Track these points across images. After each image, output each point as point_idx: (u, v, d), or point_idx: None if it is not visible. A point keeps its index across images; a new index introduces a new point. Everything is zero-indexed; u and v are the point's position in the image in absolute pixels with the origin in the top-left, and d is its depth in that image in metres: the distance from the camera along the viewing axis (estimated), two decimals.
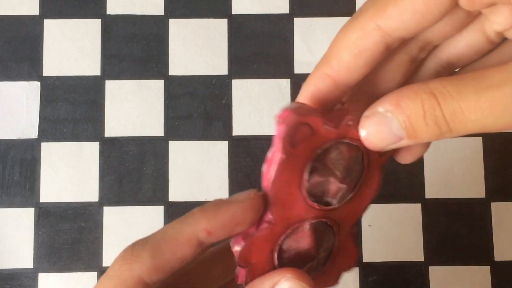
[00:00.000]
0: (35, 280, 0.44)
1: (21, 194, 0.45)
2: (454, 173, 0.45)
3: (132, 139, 0.46)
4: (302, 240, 0.26)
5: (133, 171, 0.45)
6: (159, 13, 0.47)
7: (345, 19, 0.49)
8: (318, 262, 0.26)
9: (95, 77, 0.46)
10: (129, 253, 0.26)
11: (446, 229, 0.45)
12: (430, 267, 0.44)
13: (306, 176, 0.25)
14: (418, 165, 0.45)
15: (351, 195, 0.26)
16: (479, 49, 0.25)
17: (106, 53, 0.46)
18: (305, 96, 0.25)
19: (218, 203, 0.25)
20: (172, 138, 0.46)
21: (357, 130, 0.24)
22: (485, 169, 0.45)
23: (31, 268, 0.44)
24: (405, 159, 0.28)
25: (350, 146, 0.25)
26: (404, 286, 0.44)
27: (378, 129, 0.23)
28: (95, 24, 0.47)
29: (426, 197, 0.45)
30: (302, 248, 0.26)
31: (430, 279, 0.44)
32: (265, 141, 0.45)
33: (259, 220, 0.25)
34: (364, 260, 0.44)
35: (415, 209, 0.45)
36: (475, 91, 0.21)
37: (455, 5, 0.22)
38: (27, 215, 0.45)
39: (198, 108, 0.46)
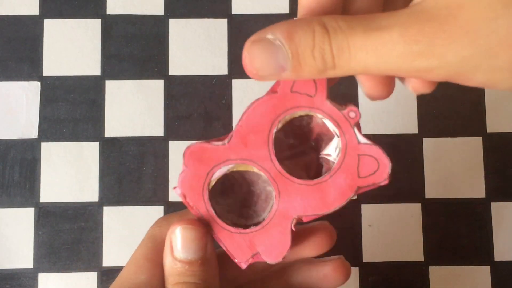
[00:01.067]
0: (35, 280, 0.44)
1: (21, 194, 0.45)
2: (454, 173, 0.45)
3: (132, 139, 0.46)
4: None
5: (133, 171, 0.45)
6: (159, 13, 0.47)
7: None
8: (251, 212, 0.27)
9: (95, 77, 0.46)
10: (161, 219, 0.28)
11: (446, 229, 0.45)
12: (430, 267, 0.44)
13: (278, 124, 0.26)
14: (418, 165, 0.45)
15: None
16: None
17: (106, 53, 0.46)
18: (302, 9, 0.25)
19: None
20: (172, 138, 0.46)
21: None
22: (485, 169, 0.45)
23: (31, 268, 0.44)
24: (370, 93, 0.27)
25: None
26: (404, 286, 0.44)
27: (263, 55, 0.23)
28: (95, 24, 0.47)
29: (426, 197, 0.45)
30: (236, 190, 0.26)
31: (430, 279, 0.44)
32: None
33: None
34: (364, 260, 0.44)
35: (415, 209, 0.45)
36: (364, 30, 0.21)
37: None
38: (27, 215, 0.45)
39: (198, 108, 0.46)
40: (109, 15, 0.47)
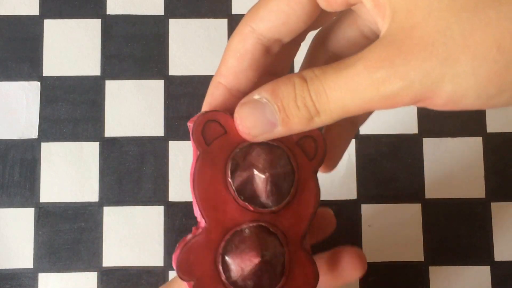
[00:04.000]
0: (35, 280, 0.44)
1: (21, 194, 0.45)
2: (454, 173, 0.45)
3: (132, 139, 0.46)
4: (243, 247, 0.25)
5: (133, 171, 0.45)
6: (159, 13, 0.47)
7: None
8: (271, 277, 0.25)
9: (95, 77, 0.46)
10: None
11: (446, 229, 0.45)
12: (430, 267, 0.44)
13: (228, 173, 0.25)
14: (418, 165, 0.45)
15: (288, 198, 0.26)
16: (357, 44, 0.27)
17: (106, 53, 0.46)
18: (205, 106, 0.27)
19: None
20: (172, 138, 0.46)
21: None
22: (485, 169, 0.45)
23: (31, 268, 0.44)
24: (326, 165, 0.28)
25: (270, 146, 0.25)
26: (404, 286, 0.44)
27: (252, 114, 0.24)
28: (95, 24, 0.47)
29: (426, 197, 0.45)
30: (245, 256, 0.25)
31: (430, 279, 0.44)
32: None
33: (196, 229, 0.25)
34: None
35: (415, 209, 0.45)
36: (335, 71, 0.22)
37: (316, 7, 0.24)
38: (27, 215, 0.45)
39: (198, 108, 0.46)
40: (109, 15, 0.47)
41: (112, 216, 0.45)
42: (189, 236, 0.25)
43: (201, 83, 0.46)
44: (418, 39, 0.20)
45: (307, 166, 0.26)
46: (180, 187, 0.45)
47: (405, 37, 0.21)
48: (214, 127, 0.25)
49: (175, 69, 0.46)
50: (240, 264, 0.25)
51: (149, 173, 0.45)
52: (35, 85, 0.46)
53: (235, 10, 0.47)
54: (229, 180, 0.25)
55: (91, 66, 0.46)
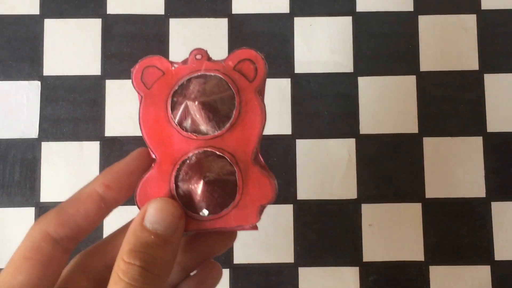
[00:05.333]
0: None
1: (21, 193, 0.45)
2: (454, 173, 0.45)
3: (133, 139, 0.46)
4: (190, 172, 0.27)
5: None
6: (160, 12, 0.47)
7: (345, 19, 0.50)
8: (223, 195, 0.27)
9: (96, 76, 0.46)
10: (40, 217, 0.27)
11: (447, 228, 0.45)
12: (430, 267, 0.44)
13: (169, 109, 0.27)
14: (418, 165, 0.45)
15: (230, 121, 0.27)
16: None
17: (107, 53, 0.46)
18: None
19: (113, 164, 0.28)
20: None
21: (209, 61, 0.28)
22: (485, 169, 0.45)
23: None
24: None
25: (206, 77, 0.28)
26: (404, 286, 0.44)
27: None
28: (95, 24, 0.47)
29: (427, 196, 0.45)
30: (191, 181, 0.27)
31: (430, 278, 0.44)
32: (265, 140, 0.45)
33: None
34: (364, 260, 0.44)
35: (416, 208, 0.45)
36: None
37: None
38: (27, 214, 0.45)
39: None
40: (109, 14, 0.47)
41: (112, 215, 0.45)
42: (147, 175, 0.28)
43: None
44: None
45: (248, 88, 0.28)
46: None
47: None
48: (152, 71, 0.28)
49: None
50: (190, 188, 0.27)
51: None
52: (36, 85, 0.46)
53: (235, 9, 0.47)
54: (170, 115, 0.28)
55: (91, 66, 0.46)
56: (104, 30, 0.47)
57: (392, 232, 0.45)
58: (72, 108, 0.46)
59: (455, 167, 0.45)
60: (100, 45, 0.47)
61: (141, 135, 0.46)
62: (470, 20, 0.47)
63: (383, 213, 0.45)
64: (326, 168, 0.45)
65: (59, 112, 0.46)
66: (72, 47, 0.46)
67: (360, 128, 0.46)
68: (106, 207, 0.28)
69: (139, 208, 0.27)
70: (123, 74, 0.46)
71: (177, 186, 0.27)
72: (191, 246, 0.29)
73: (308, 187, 0.44)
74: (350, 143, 0.45)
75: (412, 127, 0.46)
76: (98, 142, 0.45)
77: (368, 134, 0.46)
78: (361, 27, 0.47)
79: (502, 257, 0.45)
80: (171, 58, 0.46)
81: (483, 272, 0.44)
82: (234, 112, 0.27)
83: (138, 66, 0.28)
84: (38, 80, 0.46)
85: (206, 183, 0.27)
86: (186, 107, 0.27)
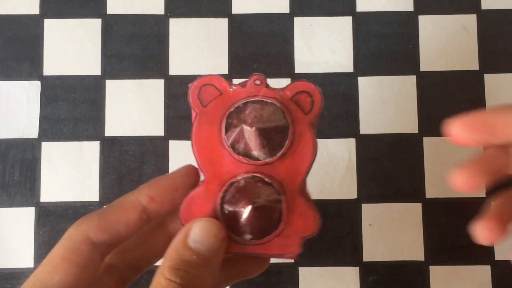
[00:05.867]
0: None
1: (21, 193, 0.45)
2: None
3: (133, 139, 0.46)
4: (238, 195, 0.27)
5: (134, 171, 0.45)
6: (160, 12, 0.47)
7: (346, 19, 0.50)
8: (268, 223, 0.28)
9: (96, 76, 0.46)
10: (81, 219, 0.28)
11: (447, 228, 0.45)
12: (430, 267, 0.44)
13: (223, 130, 0.28)
14: (418, 165, 0.45)
15: (282, 150, 0.28)
16: None
17: (107, 53, 0.46)
18: None
19: (159, 176, 0.29)
20: (172, 138, 0.46)
21: (267, 88, 0.28)
22: None
23: (32, 268, 0.44)
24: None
25: (264, 103, 0.28)
26: (404, 286, 0.44)
27: None
28: (95, 24, 0.47)
29: (427, 196, 0.45)
30: (239, 204, 0.27)
31: (430, 278, 0.44)
32: None
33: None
34: (364, 260, 0.44)
35: (416, 208, 0.45)
36: None
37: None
38: (27, 214, 0.45)
39: None
40: (109, 14, 0.47)
41: None
42: (193, 192, 0.28)
43: None
44: None
45: (303, 120, 0.28)
46: None
47: None
48: (209, 90, 0.28)
49: (175, 68, 0.46)
50: (236, 211, 0.27)
51: (149, 173, 0.45)
52: (36, 85, 0.46)
53: (235, 9, 0.47)
54: (224, 136, 0.28)
55: (91, 66, 0.46)
56: (104, 30, 0.47)
57: (392, 232, 0.45)
58: (72, 108, 0.46)
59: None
60: (100, 45, 0.47)
61: (141, 135, 0.46)
62: (470, 20, 0.47)
63: (383, 213, 0.45)
64: (326, 168, 0.45)
65: (59, 112, 0.46)
66: (72, 47, 0.46)
67: (360, 128, 0.46)
68: (147, 218, 0.28)
69: (182, 224, 0.27)
70: (123, 74, 0.46)
71: (222, 207, 0.27)
72: (225, 266, 0.29)
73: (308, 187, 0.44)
74: (350, 143, 0.45)
75: (412, 127, 0.46)
76: (98, 142, 0.45)
77: (368, 134, 0.46)
78: (361, 27, 0.47)
79: (502, 257, 0.45)
80: (171, 58, 0.47)
81: (483, 272, 0.44)
82: (286, 142, 0.28)
83: (196, 83, 0.28)
84: (38, 80, 0.46)
85: (254, 209, 0.27)
86: (242, 130, 0.27)
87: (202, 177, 0.28)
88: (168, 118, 0.46)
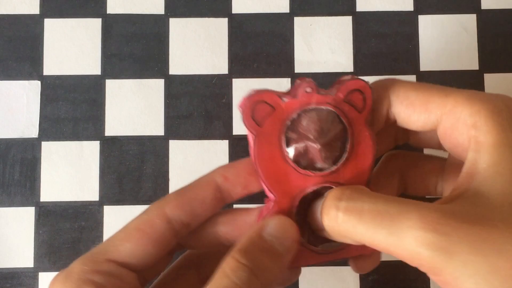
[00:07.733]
0: (35, 279, 0.44)
1: (21, 193, 0.45)
2: None
3: (133, 138, 0.46)
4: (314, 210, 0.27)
5: (134, 170, 0.45)
6: (160, 12, 0.47)
7: (346, 18, 0.50)
8: None
9: (96, 76, 0.46)
10: (161, 198, 0.29)
11: None
12: None
13: (284, 147, 0.27)
14: None
15: (345, 155, 0.27)
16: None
17: (107, 52, 0.47)
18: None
19: (236, 160, 0.29)
20: (172, 137, 0.46)
21: (319, 94, 0.27)
22: None
23: (32, 267, 0.44)
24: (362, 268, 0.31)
25: (318, 111, 0.27)
26: (404, 286, 0.44)
27: None
28: (95, 24, 0.47)
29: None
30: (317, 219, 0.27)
31: (430, 278, 0.44)
32: None
33: (267, 201, 0.28)
34: None
35: None
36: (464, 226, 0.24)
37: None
38: (27, 214, 0.45)
39: (198, 107, 0.46)
40: (109, 14, 0.47)
41: (113, 215, 0.45)
42: (264, 210, 0.28)
43: (202, 82, 0.46)
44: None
45: (358, 119, 0.28)
46: (180, 186, 0.45)
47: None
48: (262, 108, 0.27)
49: (175, 68, 0.46)
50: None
51: (149, 172, 0.45)
52: (36, 84, 0.46)
53: (236, 9, 0.47)
54: (286, 154, 0.27)
55: (91, 65, 0.46)
56: (104, 30, 0.47)
57: None
58: (72, 108, 0.46)
59: None
60: (100, 45, 0.47)
61: (141, 134, 0.46)
62: (470, 20, 0.47)
63: None
64: None
65: (59, 112, 0.46)
66: (72, 46, 0.47)
67: None
68: (220, 197, 0.28)
69: None
70: (123, 74, 0.46)
71: (296, 222, 0.27)
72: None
73: None
74: None
75: None
76: (98, 142, 0.45)
77: None
78: (361, 27, 0.47)
79: None
80: (171, 57, 0.47)
81: None
82: (347, 145, 0.27)
83: (247, 103, 0.27)
84: (38, 80, 0.46)
85: None
86: (306, 146, 0.27)
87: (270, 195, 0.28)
88: (168, 118, 0.46)
